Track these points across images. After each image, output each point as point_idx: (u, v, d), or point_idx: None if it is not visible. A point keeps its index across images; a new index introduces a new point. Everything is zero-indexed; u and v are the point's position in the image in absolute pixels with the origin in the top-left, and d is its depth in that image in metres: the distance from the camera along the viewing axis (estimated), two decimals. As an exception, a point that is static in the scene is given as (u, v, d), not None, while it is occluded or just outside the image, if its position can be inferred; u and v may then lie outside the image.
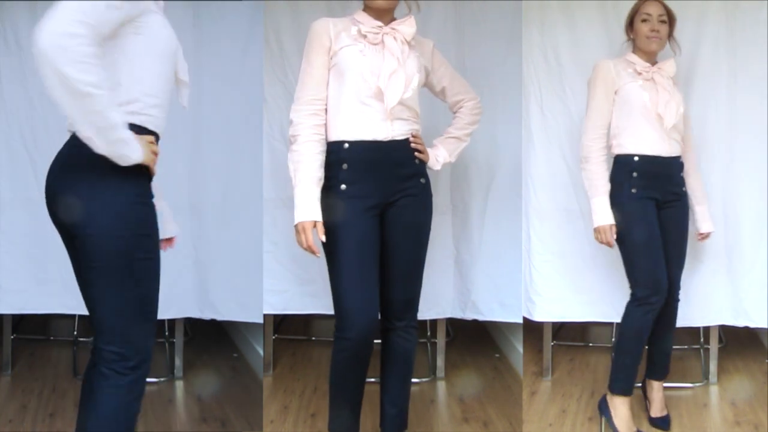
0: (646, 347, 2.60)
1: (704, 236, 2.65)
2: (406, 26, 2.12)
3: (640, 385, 2.74)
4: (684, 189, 2.53)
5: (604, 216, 2.41)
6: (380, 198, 2.10)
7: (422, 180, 2.18)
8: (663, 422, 2.61)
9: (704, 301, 2.88)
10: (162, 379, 2.99)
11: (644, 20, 2.45)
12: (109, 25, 1.59)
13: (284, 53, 2.86)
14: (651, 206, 2.43)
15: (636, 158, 2.42)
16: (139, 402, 1.75)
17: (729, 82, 2.77)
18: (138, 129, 1.68)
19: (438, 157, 2.29)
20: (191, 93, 2.82)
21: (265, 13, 2.78)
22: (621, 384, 2.48)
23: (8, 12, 2.82)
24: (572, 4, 2.84)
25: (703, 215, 2.62)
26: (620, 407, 2.49)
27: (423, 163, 2.20)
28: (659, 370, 2.64)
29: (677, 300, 2.59)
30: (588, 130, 2.45)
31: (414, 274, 2.20)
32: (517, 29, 2.81)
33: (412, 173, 2.15)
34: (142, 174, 1.70)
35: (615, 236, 2.41)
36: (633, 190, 2.41)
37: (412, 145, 2.15)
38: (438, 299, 2.97)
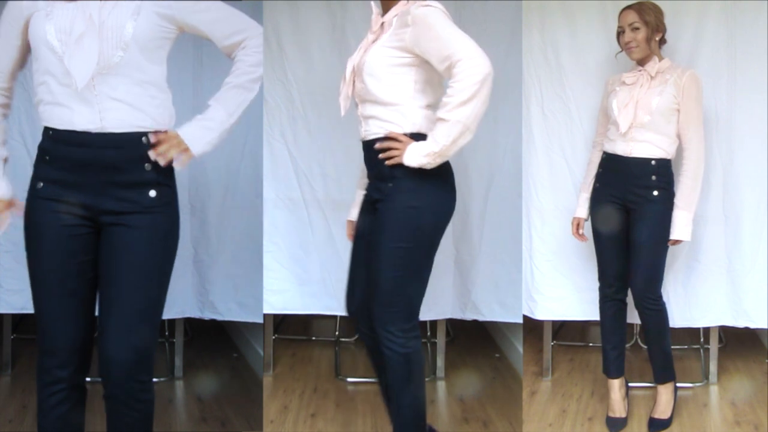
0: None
1: (672, 242, 2.49)
2: (374, 13, 2.06)
3: (653, 385, 2.71)
4: (655, 194, 2.46)
5: (577, 209, 2.69)
6: (369, 196, 2.12)
7: (389, 184, 2.00)
8: (656, 424, 2.60)
9: (704, 301, 2.88)
10: (162, 379, 2.99)
11: (620, 33, 2.50)
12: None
13: (284, 53, 2.86)
14: (607, 202, 2.55)
15: (604, 155, 2.59)
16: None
17: (729, 82, 2.77)
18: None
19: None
20: (191, 93, 2.84)
21: (265, 13, 2.78)
22: (603, 367, 2.70)
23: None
24: (572, 4, 2.84)
25: (675, 220, 2.45)
26: (609, 389, 2.68)
27: (398, 166, 1.97)
28: (654, 373, 2.64)
29: (652, 309, 2.51)
30: (596, 137, 2.72)
31: (374, 277, 2.03)
32: (517, 29, 2.81)
33: (383, 175, 2.01)
34: (38, 168, 1.76)
35: (580, 230, 2.68)
36: (597, 185, 2.61)
37: (377, 146, 1.99)
38: (438, 299, 2.97)
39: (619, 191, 2.51)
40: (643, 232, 2.46)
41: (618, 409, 2.63)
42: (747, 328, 2.96)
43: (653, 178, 2.46)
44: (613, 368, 2.65)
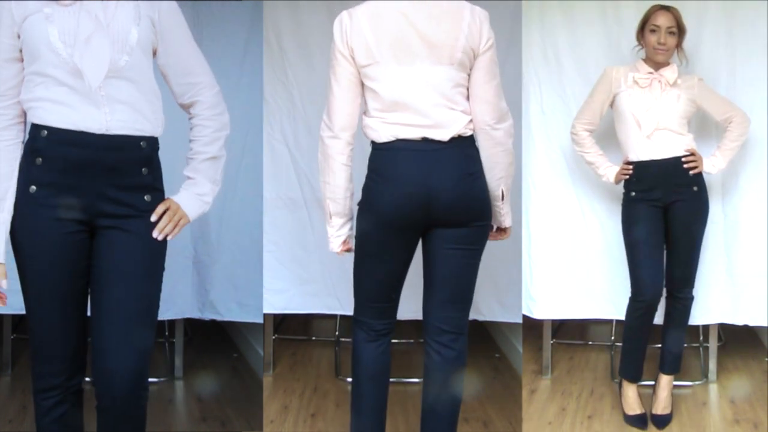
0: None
1: (691, 159, 2.53)
2: None
3: (653, 383, 2.73)
4: (695, 188, 2.54)
5: (611, 170, 2.63)
6: None
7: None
8: (660, 420, 2.62)
9: (704, 299, 2.88)
10: (162, 379, 2.99)
11: (653, 30, 2.50)
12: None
13: (284, 53, 2.86)
14: (648, 208, 2.55)
15: (632, 164, 2.57)
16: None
17: (729, 81, 2.78)
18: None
19: None
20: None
21: (265, 13, 2.78)
22: (623, 369, 2.69)
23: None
24: (572, 4, 2.84)
25: (710, 158, 2.61)
26: (625, 389, 2.67)
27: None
28: (664, 365, 2.68)
29: (684, 298, 2.63)
30: (576, 120, 2.68)
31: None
32: (517, 29, 2.81)
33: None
34: (29, 170, 1.69)
35: (629, 171, 2.57)
36: (632, 194, 2.58)
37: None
38: (438, 299, 2.96)
39: (660, 193, 2.53)
40: (684, 225, 2.54)
41: (638, 407, 2.65)
42: (746, 327, 2.97)
43: (690, 174, 2.52)
44: (637, 372, 2.66)
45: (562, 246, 2.97)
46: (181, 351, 3.03)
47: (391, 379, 2.96)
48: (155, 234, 1.73)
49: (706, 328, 3.09)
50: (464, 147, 1.92)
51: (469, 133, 1.93)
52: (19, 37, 1.68)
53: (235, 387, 2.95)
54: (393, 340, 2.14)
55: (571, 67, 2.86)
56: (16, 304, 2.88)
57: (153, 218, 1.73)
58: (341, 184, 1.96)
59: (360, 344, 2.05)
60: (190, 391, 2.93)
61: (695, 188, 2.55)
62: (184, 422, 2.67)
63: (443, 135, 1.88)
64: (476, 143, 1.97)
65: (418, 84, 1.87)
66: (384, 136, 1.91)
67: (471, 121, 1.93)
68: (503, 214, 2.07)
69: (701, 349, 3.18)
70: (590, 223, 2.93)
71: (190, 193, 1.81)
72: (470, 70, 1.92)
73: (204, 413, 2.72)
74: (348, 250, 2.06)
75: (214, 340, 3.35)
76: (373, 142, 1.95)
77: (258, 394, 2.80)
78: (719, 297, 2.88)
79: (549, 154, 2.93)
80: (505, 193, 2.03)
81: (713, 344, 2.99)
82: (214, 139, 1.83)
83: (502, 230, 2.12)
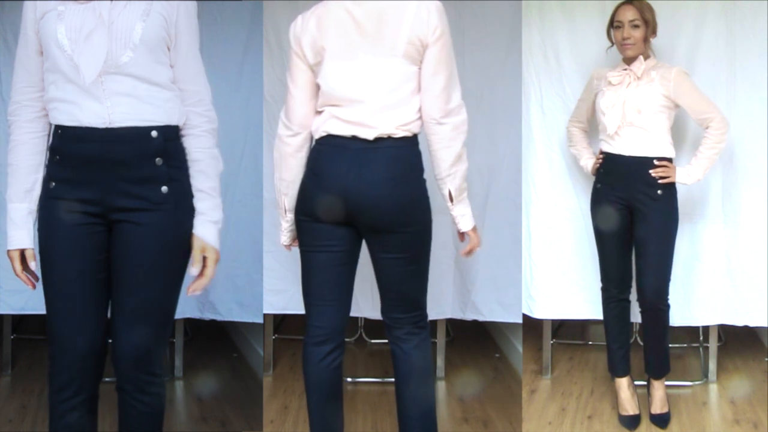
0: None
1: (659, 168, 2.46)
2: None
3: (646, 383, 2.73)
4: (659, 192, 2.45)
5: (590, 162, 2.66)
6: None
7: None
8: (659, 420, 2.62)
9: (704, 300, 2.88)
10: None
11: (617, 27, 2.47)
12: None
13: (284, 53, 2.85)
14: (612, 203, 2.53)
15: (603, 155, 2.58)
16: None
17: (729, 81, 2.77)
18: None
19: None
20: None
21: (265, 13, 2.78)
22: (609, 365, 2.72)
23: (8, 12, 2.81)
24: (572, 4, 2.85)
25: (684, 169, 2.48)
26: (618, 388, 2.68)
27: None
28: (652, 369, 2.65)
29: (660, 309, 2.53)
30: (569, 119, 2.78)
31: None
32: (517, 29, 2.81)
33: None
34: (50, 168, 1.74)
35: (600, 162, 2.58)
36: (598, 185, 2.60)
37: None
38: (438, 299, 2.97)
39: (624, 192, 2.51)
40: (651, 232, 2.47)
41: (630, 407, 2.64)
42: (746, 327, 2.97)
43: (660, 182, 2.46)
44: (621, 367, 2.67)
45: (562, 246, 2.97)
46: (181, 351, 3.03)
47: (389, 380, 2.99)
48: (189, 293, 1.78)
49: (706, 328, 3.09)
50: (394, 149, 1.88)
51: (401, 134, 1.88)
52: (38, 33, 1.73)
53: (235, 387, 2.95)
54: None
55: (571, 67, 2.87)
56: (16, 305, 2.91)
57: (194, 272, 1.76)
58: (296, 180, 1.96)
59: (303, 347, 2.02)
60: (190, 391, 2.93)
61: (659, 191, 2.45)
62: (184, 422, 2.67)
63: (369, 134, 1.86)
64: (418, 144, 1.94)
65: (361, 77, 1.87)
66: (318, 131, 1.92)
67: (415, 120, 1.90)
68: (456, 218, 2.00)
69: (701, 349, 3.18)
70: (590, 223, 2.92)
71: (208, 225, 1.79)
72: (421, 62, 1.88)
73: (204, 413, 2.73)
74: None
75: (214, 340, 3.35)
76: (313, 139, 1.96)
77: (258, 394, 2.81)
78: (719, 297, 2.88)
79: (549, 154, 2.94)
80: (453, 194, 1.95)
81: (713, 344, 2.99)
82: (213, 173, 1.81)
83: (464, 235, 2.03)
